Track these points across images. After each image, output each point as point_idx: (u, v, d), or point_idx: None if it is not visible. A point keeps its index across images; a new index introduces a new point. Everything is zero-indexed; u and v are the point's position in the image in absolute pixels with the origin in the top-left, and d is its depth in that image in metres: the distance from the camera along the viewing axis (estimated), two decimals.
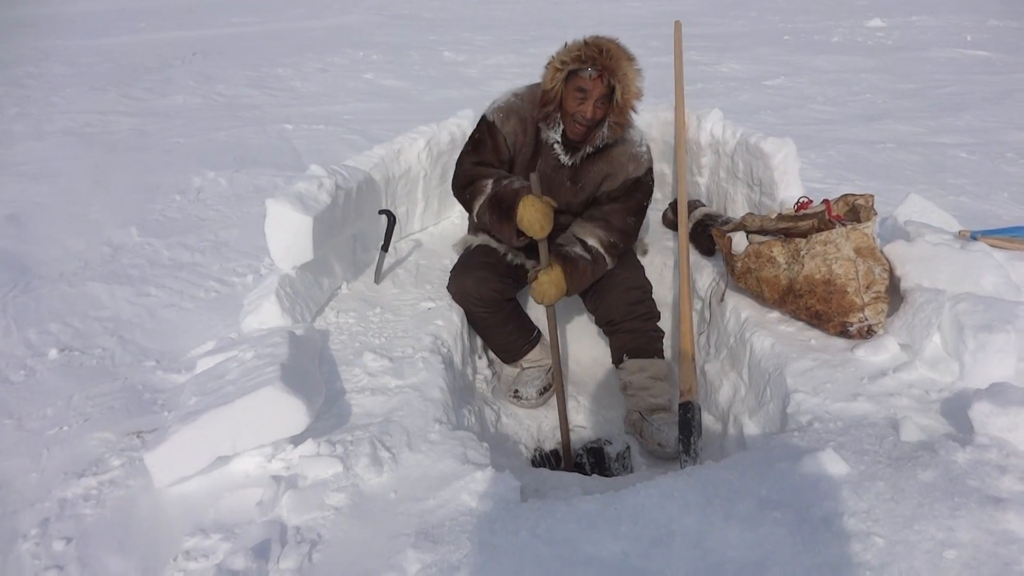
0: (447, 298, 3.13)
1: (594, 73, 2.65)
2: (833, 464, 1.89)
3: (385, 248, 3.35)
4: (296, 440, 2.15)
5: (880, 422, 2.16)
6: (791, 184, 3.14)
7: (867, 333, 2.57)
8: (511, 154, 2.90)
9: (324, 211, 2.90)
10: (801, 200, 2.93)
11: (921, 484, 1.80)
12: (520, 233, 2.75)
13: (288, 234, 2.82)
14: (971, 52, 12.03)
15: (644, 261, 3.34)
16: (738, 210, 3.40)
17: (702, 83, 9.71)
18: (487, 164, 2.89)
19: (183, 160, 6.60)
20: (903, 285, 2.65)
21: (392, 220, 3.33)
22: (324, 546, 1.80)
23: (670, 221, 3.68)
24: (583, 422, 3.30)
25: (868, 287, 2.58)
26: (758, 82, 9.65)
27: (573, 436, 3.29)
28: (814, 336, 2.67)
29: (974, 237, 2.72)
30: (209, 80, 11.28)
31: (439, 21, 19.49)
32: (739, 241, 2.83)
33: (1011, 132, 6.76)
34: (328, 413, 2.34)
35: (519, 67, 12.78)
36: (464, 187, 2.89)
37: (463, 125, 4.01)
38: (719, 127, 3.46)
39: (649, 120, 3.75)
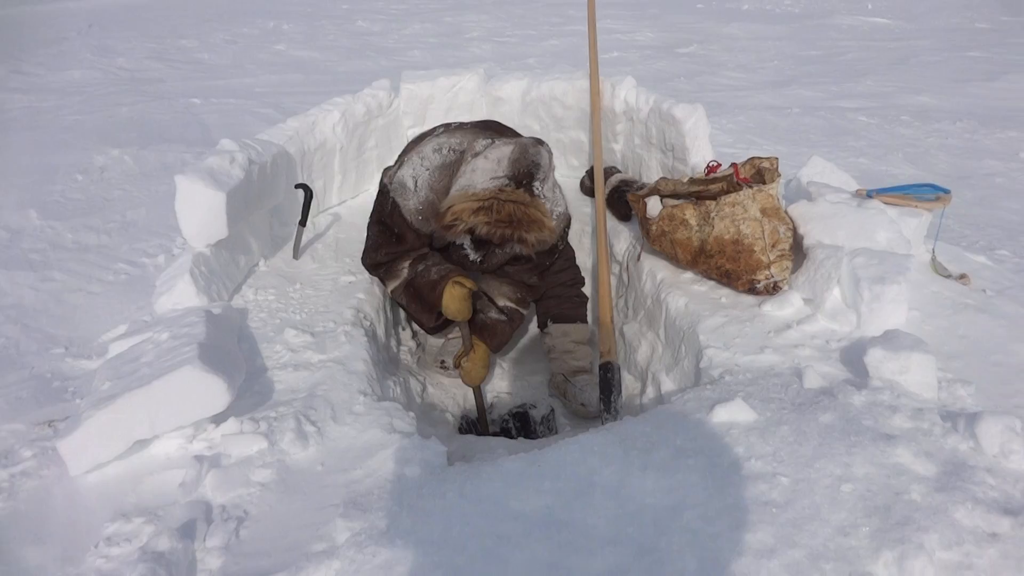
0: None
1: (498, 236, 2.47)
2: (742, 412, 2.00)
3: (303, 223, 3.29)
4: (218, 419, 2.12)
5: (785, 372, 2.29)
6: (702, 148, 3.24)
7: (773, 289, 2.70)
8: (426, 243, 2.82)
9: (237, 186, 2.82)
10: (711, 164, 3.03)
11: (821, 426, 1.93)
12: (437, 314, 2.83)
13: (200, 211, 2.74)
14: (872, 19, 12.57)
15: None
16: (653, 175, 3.49)
17: (618, 51, 9.83)
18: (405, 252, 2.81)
19: (83, 138, 6.28)
20: (805, 243, 2.79)
21: (309, 194, 3.27)
22: (251, 522, 1.80)
23: (587, 188, 3.75)
24: (508, 388, 3.36)
25: (773, 245, 2.71)
26: (672, 50, 9.84)
27: (499, 402, 3.36)
28: (724, 294, 2.79)
29: (870, 195, 2.88)
30: (108, 53, 10.71)
31: None
32: (653, 205, 2.92)
33: (907, 96, 7.13)
34: (250, 391, 2.32)
35: (436, 36, 12.63)
36: (376, 267, 2.87)
37: (379, 96, 3.96)
38: (633, 94, 3.53)
39: (565, 88, 3.79)
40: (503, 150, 2.48)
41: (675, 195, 3.01)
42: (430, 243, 2.82)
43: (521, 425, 3.26)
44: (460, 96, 4.04)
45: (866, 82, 7.74)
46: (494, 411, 3.32)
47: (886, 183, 4.40)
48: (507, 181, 2.40)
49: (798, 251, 2.81)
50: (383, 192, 2.82)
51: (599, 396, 2.80)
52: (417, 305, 2.85)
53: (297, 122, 3.63)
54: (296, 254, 3.31)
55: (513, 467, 1.79)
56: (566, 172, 3.95)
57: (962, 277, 2.74)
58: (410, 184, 2.70)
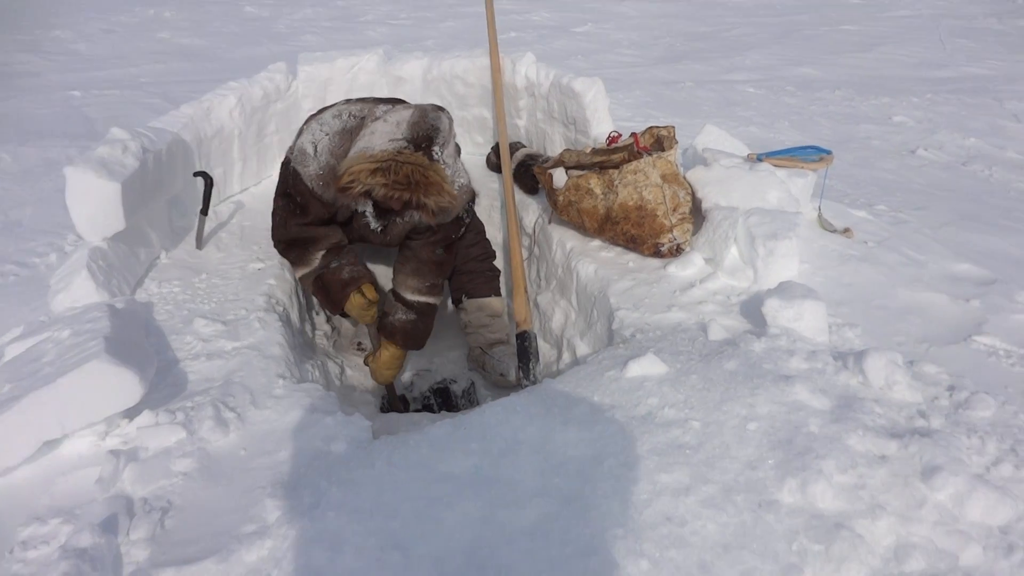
0: (277, 257, 3.06)
1: (396, 199, 2.46)
2: (654, 366, 2.10)
3: (204, 211, 3.20)
4: (131, 413, 2.06)
5: (692, 327, 2.41)
6: (602, 120, 3.34)
7: (676, 251, 2.84)
8: (331, 212, 2.78)
9: (132, 176, 2.72)
10: (612, 134, 3.13)
11: (726, 373, 2.06)
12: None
13: (94, 203, 2.63)
14: None
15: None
16: (556, 148, 3.57)
17: (515, 32, 9.89)
18: (312, 225, 2.77)
19: None
20: (704, 206, 2.94)
21: (209, 181, 3.18)
22: (176, 512, 1.76)
23: (493, 164, 3.80)
24: (427, 364, 3.39)
25: (675, 209, 2.84)
26: (568, 29, 9.98)
27: (419, 379, 3.38)
28: (631, 259, 2.90)
29: (760, 159, 3.05)
30: None
31: None
32: (559, 177, 3.00)
33: (790, 68, 7.52)
34: (163, 383, 2.26)
35: (328, 20, 12.33)
36: (289, 246, 2.80)
37: (276, 79, 3.87)
38: (533, 70, 3.59)
39: (466, 66, 3.81)
40: (403, 114, 2.48)
41: (579, 166, 3.09)
42: (334, 216, 2.78)
43: (443, 400, 3.31)
44: (360, 77, 3.99)
45: (752, 56, 8.11)
46: (415, 388, 3.35)
47: (774, 148, 4.67)
48: (406, 143, 2.38)
49: (697, 214, 2.95)
50: (285, 163, 2.78)
51: (517, 364, 2.87)
52: (324, 297, 2.85)
53: (191, 108, 3.50)
54: (199, 244, 3.21)
55: (439, 432, 1.83)
56: (471, 149, 3.98)
57: (846, 231, 2.95)
58: (310, 150, 2.65)
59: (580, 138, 3.43)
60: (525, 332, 2.88)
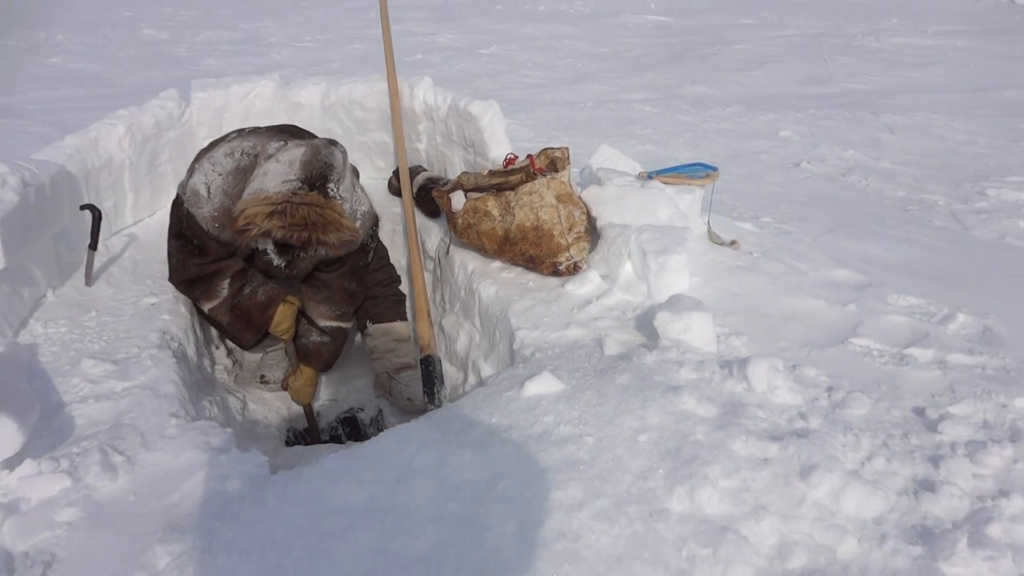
0: (172, 291, 2.97)
1: (296, 238, 2.46)
2: (550, 384, 2.15)
3: (93, 246, 3.07)
4: (11, 463, 1.96)
5: (589, 343, 2.48)
6: (500, 143, 3.40)
7: (574, 269, 2.91)
8: (231, 251, 2.73)
9: (13, 211, 2.60)
10: (508, 156, 3.19)
11: (619, 387, 2.12)
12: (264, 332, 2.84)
13: None
14: (654, 17, 13.62)
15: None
16: (457, 171, 3.61)
17: (421, 54, 9.94)
18: (213, 262, 2.72)
19: None
20: (599, 224, 3.03)
21: (97, 215, 3.06)
22: (60, 564, 1.69)
23: (395, 188, 3.80)
24: (333, 394, 3.35)
25: (570, 229, 2.92)
26: (474, 51, 10.10)
27: (325, 409, 3.34)
28: (531, 279, 2.96)
29: (650, 177, 3.17)
30: None
31: None
32: (458, 200, 3.03)
33: (686, 87, 7.84)
34: (47, 429, 2.15)
35: (231, 43, 12.07)
36: (191, 284, 2.75)
37: (168, 107, 3.77)
38: (431, 94, 3.62)
39: (364, 91, 3.82)
40: (294, 152, 2.47)
41: (478, 188, 3.14)
42: (233, 251, 2.74)
43: (351, 430, 3.27)
44: (257, 103, 3.94)
45: (649, 75, 8.42)
46: (321, 419, 3.31)
47: (667, 165, 4.86)
48: (300, 184, 2.39)
49: (594, 232, 3.04)
50: (177, 204, 2.72)
51: (423, 389, 2.88)
52: (242, 324, 2.81)
53: (77, 139, 3.38)
54: (89, 280, 3.09)
55: (333, 464, 1.82)
56: (373, 174, 3.98)
57: (733, 243, 3.10)
58: (203, 191, 2.61)
59: (479, 160, 3.48)
60: (429, 356, 2.89)
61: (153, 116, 3.69)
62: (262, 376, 3.22)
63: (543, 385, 2.15)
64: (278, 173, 2.43)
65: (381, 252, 3.18)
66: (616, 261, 2.83)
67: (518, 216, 2.88)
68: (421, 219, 3.50)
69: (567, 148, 3.14)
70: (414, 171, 3.67)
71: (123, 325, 2.79)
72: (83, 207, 3.08)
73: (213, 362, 3.22)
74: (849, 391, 2.19)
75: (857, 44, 11.05)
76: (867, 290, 2.87)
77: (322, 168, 2.45)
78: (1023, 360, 2.40)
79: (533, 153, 3.16)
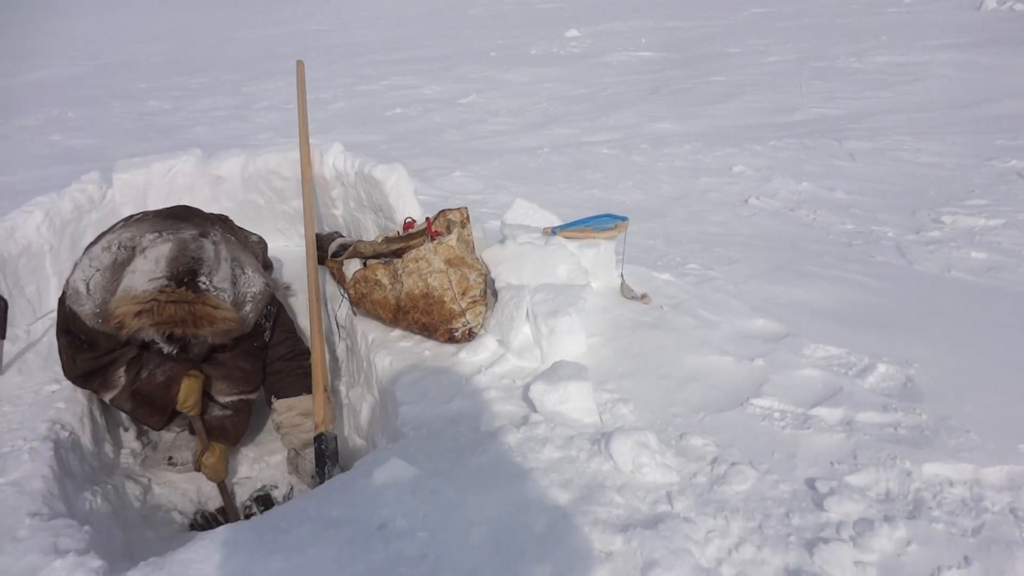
0: None
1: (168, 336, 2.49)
2: (401, 471, 2.01)
3: (1, 335, 3.04)
4: None
5: (469, 417, 2.35)
6: (408, 205, 3.32)
7: (470, 335, 2.78)
8: (121, 343, 2.66)
9: None
10: (407, 220, 3.10)
11: (470, 471, 1.98)
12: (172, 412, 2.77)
13: None
14: (640, 54, 13.61)
15: (289, 297, 3.38)
16: (371, 236, 3.53)
17: (401, 108, 9.99)
18: (104, 355, 2.66)
19: None
20: (497, 285, 2.91)
21: (3, 305, 3.03)
22: None
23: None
24: (247, 472, 3.24)
25: (464, 293, 2.80)
26: (453, 101, 10.16)
27: (239, 487, 3.22)
28: (429, 347, 2.84)
29: (554, 232, 3.04)
30: None
31: (154, 66, 18.25)
32: (351, 268, 2.94)
33: (650, 124, 7.75)
34: None
35: (226, 109, 12.32)
36: (87, 379, 2.70)
37: (88, 190, 3.76)
38: (341, 159, 3.56)
39: (279, 160, 3.78)
40: (160, 249, 2.42)
41: (377, 255, 3.04)
42: (123, 342, 2.68)
43: (264, 508, 3.15)
44: (178, 179, 3.92)
45: (617, 115, 8.34)
46: (235, 498, 3.19)
47: (613, 210, 4.74)
48: (166, 281, 2.35)
49: (494, 294, 2.92)
50: (61, 301, 2.67)
51: (314, 469, 2.75)
52: (146, 409, 2.76)
53: None
54: (0, 369, 3.04)
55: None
56: (297, 241, 3.91)
57: (643, 297, 2.95)
58: (82, 288, 2.57)
59: (390, 225, 3.39)
60: (322, 434, 2.77)
61: (72, 200, 3.68)
62: (169, 458, 3.12)
63: (393, 472, 2.01)
64: (145, 271, 2.40)
65: (284, 325, 3.09)
66: (508, 325, 2.70)
67: (406, 284, 2.78)
68: (334, 287, 3.40)
69: (465, 209, 3.05)
70: (329, 237, 3.59)
71: (18, 415, 2.73)
72: None
73: (118, 446, 3.13)
74: (734, 463, 2.02)
75: (839, 66, 10.89)
76: (782, 341, 2.69)
77: (189, 263, 2.41)
78: (941, 416, 2.20)
79: (430, 215, 3.06)
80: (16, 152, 10.41)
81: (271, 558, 1.70)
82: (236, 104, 12.69)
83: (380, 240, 3.00)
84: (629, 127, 7.62)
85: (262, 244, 3.38)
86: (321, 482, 2.71)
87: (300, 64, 4.05)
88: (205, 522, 3.04)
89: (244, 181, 3.89)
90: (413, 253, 2.77)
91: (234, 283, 2.66)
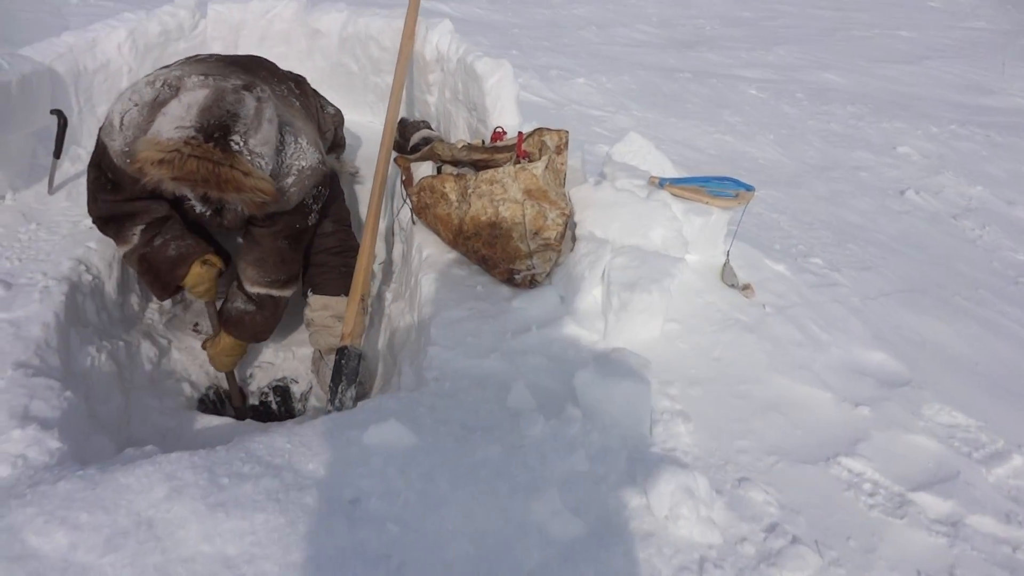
0: None
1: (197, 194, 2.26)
2: (397, 435, 1.70)
3: (57, 154, 2.87)
4: None
5: (498, 383, 2.00)
6: (506, 111, 2.88)
7: (531, 282, 2.39)
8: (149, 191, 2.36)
9: None
10: (496, 130, 2.68)
11: (474, 462, 1.65)
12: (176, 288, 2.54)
13: None
14: None
15: (356, 184, 3.07)
16: (459, 135, 3.12)
17: None
18: (127, 200, 2.41)
19: None
20: (579, 231, 2.48)
21: (63, 122, 2.84)
22: None
23: (396, 143, 3.36)
24: (271, 357, 3.04)
25: (537, 233, 2.39)
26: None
27: (260, 372, 3.04)
28: (483, 282, 2.47)
29: (662, 185, 2.56)
30: None
31: None
32: (420, 172, 2.56)
33: (813, 72, 6.78)
34: None
35: None
36: (105, 223, 2.47)
37: (180, 15, 3.49)
38: (445, 41, 3.12)
39: (381, 27, 3.37)
40: (196, 95, 2.09)
41: (455, 162, 2.65)
42: (152, 191, 2.42)
43: (281, 399, 2.98)
44: (275, 24, 3.59)
45: (779, 51, 7.35)
46: (253, 382, 3.02)
47: (742, 165, 4.12)
48: (193, 132, 2.02)
49: (573, 241, 2.50)
50: (100, 130, 2.42)
51: (328, 384, 2.49)
52: (150, 278, 2.52)
53: (74, 38, 3.17)
54: (50, 189, 2.89)
55: (67, 488, 1.46)
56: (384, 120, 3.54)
57: (746, 288, 2.46)
58: (117, 122, 2.30)
59: (481, 128, 2.97)
60: (345, 348, 2.49)
61: (160, 24, 3.42)
62: (195, 324, 2.94)
63: (389, 435, 1.70)
64: (175, 116, 2.08)
65: (338, 214, 2.78)
66: (578, 284, 2.29)
67: (474, 206, 2.39)
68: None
69: (566, 132, 2.59)
70: (415, 126, 3.21)
71: (52, 244, 2.57)
72: (53, 111, 2.87)
73: (148, 299, 2.97)
74: (796, 538, 1.62)
75: None
76: (900, 389, 2.18)
77: (222, 117, 2.07)
78: None
79: (525, 131, 2.61)
80: None
81: (213, 513, 1.42)
82: None
83: (461, 146, 2.58)
84: (788, 69, 6.69)
85: (337, 117, 3.03)
86: (332, 400, 2.46)
87: None
88: (217, 399, 2.88)
89: (342, 41, 3.52)
90: (489, 173, 2.36)
91: (280, 150, 2.33)
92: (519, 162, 2.45)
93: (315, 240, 2.74)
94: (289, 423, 2.36)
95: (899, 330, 2.46)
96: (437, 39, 3.14)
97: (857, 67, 7.12)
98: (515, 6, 7.77)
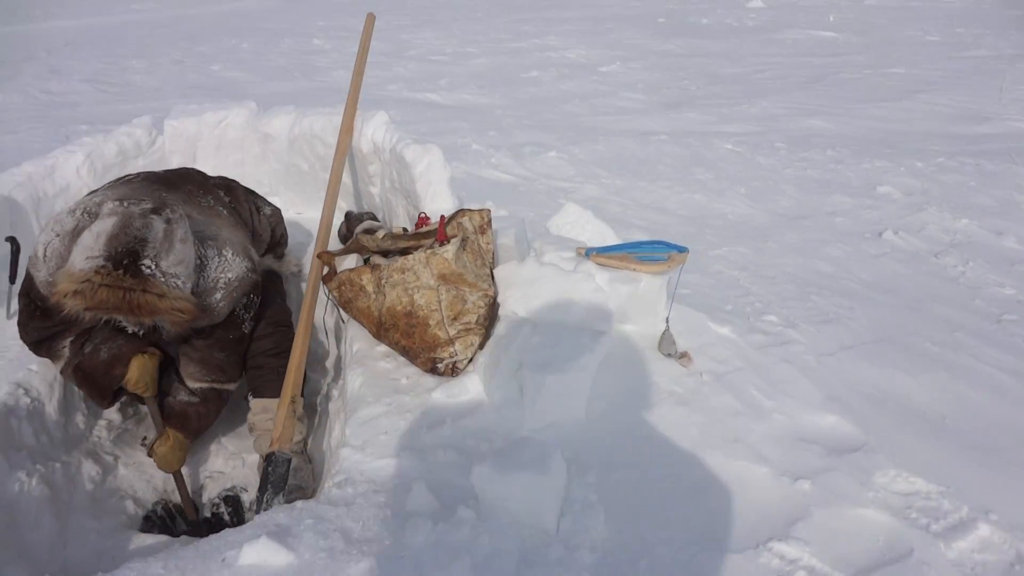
0: None
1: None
2: (271, 555, 1.60)
3: (12, 279, 2.92)
4: None
5: (400, 485, 1.89)
6: (438, 195, 2.84)
7: (453, 370, 2.29)
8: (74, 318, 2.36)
9: None
10: (420, 215, 2.63)
11: None
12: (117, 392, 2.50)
13: None
14: (820, 33, 12.10)
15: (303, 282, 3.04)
16: (400, 223, 3.09)
17: (538, 71, 9.37)
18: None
19: None
20: (502, 311, 2.39)
21: (16, 248, 2.90)
22: None
23: (343, 235, 3.35)
24: (222, 466, 2.96)
25: (456, 318, 2.30)
26: (593, 69, 9.44)
27: (211, 483, 2.95)
28: (409, 374, 2.38)
29: (588, 255, 2.46)
30: (50, 75, 10.50)
31: (344, 5, 18.81)
32: (346, 265, 2.52)
33: (797, 119, 6.68)
34: None
35: (376, 54, 12.30)
36: (37, 346, 2.50)
37: (136, 135, 3.60)
38: (380, 131, 3.13)
39: (323, 125, 3.41)
40: (105, 223, 2.11)
41: (385, 253, 2.60)
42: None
43: (233, 510, 2.87)
44: (229, 133, 3.67)
45: (763, 103, 7.27)
46: (204, 493, 2.93)
47: (710, 223, 4.00)
48: (103, 261, 2.03)
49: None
50: (28, 260, 2.45)
51: (257, 492, 2.40)
52: (88, 388, 2.51)
53: (32, 166, 3.30)
54: (7, 314, 2.93)
55: None
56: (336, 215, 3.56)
57: (682, 357, 2.32)
58: (40, 253, 2.33)
59: (417, 214, 2.93)
60: (272, 455, 2.40)
61: (117, 144, 3.53)
62: (144, 437, 2.89)
63: (260, 554, 1.60)
64: (86, 246, 2.11)
65: (274, 316, 2.75)
66: (495, 369, 2.18)
67: (389, 297, 2.32)
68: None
69: (488, 211, 2.53)
70: (359, 218, 3.19)
71: None
72: (6, 239, 2.94)
73: (97, 417, 2.94)
74: None
75: None
76: (851, 456, 1.99)
77: (130, 243, 2.08)
78: None
79: (447, 213, 2.57)
80: (180, 79, 10.91)
81: None
82: (387, 50, 12.63)
83: (382, 236, 2.54)
84: (770, 119, 6.60)
85: (274, 217, 3.04)
86: (257, 511, 2.36)
87: (370, 18, 3.63)
88: (166, 514, 2.80)
89: (290, 143, 3.58)
90: (400, 262, 2.30)
91: (202, 266, 2.32)
92: (438, 246, 2.40)
93: (252, 343, 2.70)
94: (177, 544, 2.26)
95: (857, 387, 2.27)
96: (372, 131, 3.16)
97: (844, 110, 7.00)
98: (504, 88, 7.93)
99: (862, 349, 2.49)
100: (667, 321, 2.45)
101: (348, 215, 3.29)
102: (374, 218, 3.26)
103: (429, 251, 2.30)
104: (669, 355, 2.35)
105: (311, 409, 3.03)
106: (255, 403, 2.73)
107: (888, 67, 9.15)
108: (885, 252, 3.58)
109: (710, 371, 2.28)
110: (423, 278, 2.29)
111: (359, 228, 3.14)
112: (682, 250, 2.48)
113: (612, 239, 2.80)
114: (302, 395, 2.87)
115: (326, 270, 2.58)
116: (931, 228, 3.93)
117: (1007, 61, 9.55)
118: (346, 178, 3.47)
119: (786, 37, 11.89)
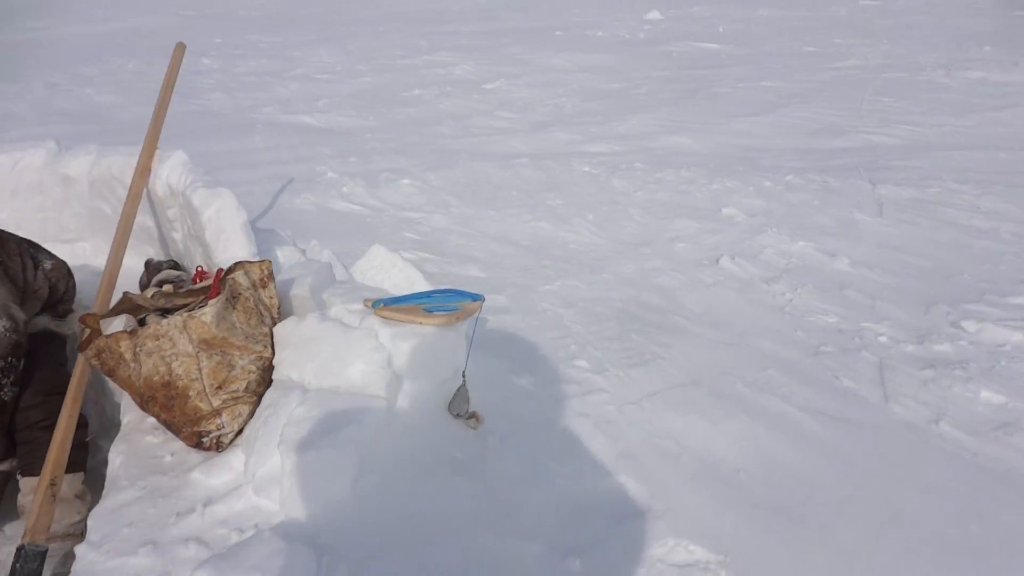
0: None
1: None
2: None
3: None
4: None
5: None
6: (232, 242, 2.64)
7: (218, 445, 2.09)
8: None
9: None
10: (198, 268, 2.42)
11: None
12: None
13: None
14: (704, 45, 12.37)
15: None
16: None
17: (420, 89, 9.20)
18: None
19: None
20: (276, 375, 2.21)
21: None
22: None
23: (143, 284, 3.09)
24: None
25: (220, 386, 2.11)
26: (477, 86, 9.33)
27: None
28: (175, 449, 2.17)
29: (375, 307, 2.30)
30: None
31: (245, 21, 18.18)
32: (114, 328, 2.28)
33: (662, 137, 6.74)
34: None
35: (259, 75, 11.90)
36: None
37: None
38: (176, 173, 2.90)
39: (122, 166, 3.16)
40: None
41: (164, 311, 2.38)
42: None
43: None
44: (25, 176, 3.36)
45: (632, 120, 7.33)
46: None
47: (551, 253, 3.92)
48: None
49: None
50: None
51: None
52: None
53: None
54: None
55: None
56: (138, 262, 3.29)
57: (471, 417, 2.18)
58: None
59: (214, 265, 2.71)
60: (22, 548, 2.14)
61: None
62: None
63: None
64: None
65: (47, 382, 2.50)
66: (256, 443, 2.00)
67: (145, 366, 2.11)
68: None
69: (268, 263, 2.35)
70: (158, 267, 2.95)
71: None
72: None
73: None
74: None
75: (919, 80, 9.45)
76: (632, 524, 1.91)
77: None
78: None
79: (226, 266, 2.36)
80: (42, 104, 10.27)
81: None
82: (274, 69, 12.24)
83: (151, 294, 2.32)
84: (635, 138, 6.62)
85: (55, 272, 2.77)
86: None
87: (179, 47, 3.40)
88: None
89: (91, 185, 3.30)
90: (153, 328, 2.09)
91: None
92: (190, 311, 2.19)
93: (18, 414, 2.45)
94: None
95: (654, 440, 2.19)
96: (167, 173, 2.92)
97: (707, 125, 7.10)
98: (382, 108, 7.71)
99: (668, 395, 2.41)
100: (464, 376, 2.32)
101: (148, 263, 3.04)
102: (175, 266, 3.01)
103: (187, 314, 2.10)
104: (458, 416, 2.21)
105: (101, 482, 2.77)
106: (24, 483, 2.47)
107: (761, 79, 9.38)
108: (719, 280, 3.55)
109: (500, 431, 2.16)
110: (179, 344, 2.08)
111: (155, 279, 2.91)
112: (476, 298, 2.36)
113: (420, 285, 2.66)
114: (84, 470, 2.63)
115: (87, 333, 2.33)
116: (768, 252, 3.94)
117: (872, 71, 9.94)
118: (150, 222, 3.22)
119: (672, 49, 12.10)
